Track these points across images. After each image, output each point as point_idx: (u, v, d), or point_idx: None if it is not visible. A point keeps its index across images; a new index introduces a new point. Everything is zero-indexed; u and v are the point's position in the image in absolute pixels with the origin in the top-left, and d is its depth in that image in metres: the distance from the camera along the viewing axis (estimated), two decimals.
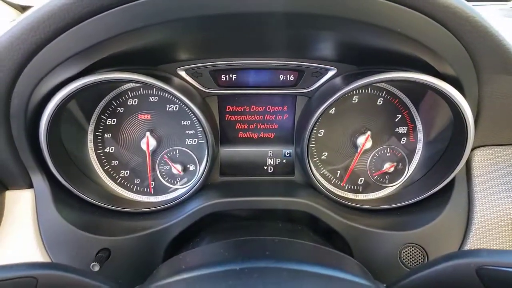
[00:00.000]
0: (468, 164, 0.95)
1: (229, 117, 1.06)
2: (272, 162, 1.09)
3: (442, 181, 0.94)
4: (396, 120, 1.05)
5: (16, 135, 0.81)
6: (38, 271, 0.56)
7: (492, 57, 0.78)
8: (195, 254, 0.69)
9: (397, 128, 1.06)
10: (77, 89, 0.81)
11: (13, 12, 1.48)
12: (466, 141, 0.87)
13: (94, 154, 1.03)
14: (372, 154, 1.07)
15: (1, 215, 0.84)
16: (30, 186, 0.88)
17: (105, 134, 1.03)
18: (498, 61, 0.78)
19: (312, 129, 0.94)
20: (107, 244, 0.88)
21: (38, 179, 0.88)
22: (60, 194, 0.90)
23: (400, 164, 1.07)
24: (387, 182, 1.08)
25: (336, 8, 0.70)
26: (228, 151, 1.08)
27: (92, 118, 1.01)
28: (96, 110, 1.01)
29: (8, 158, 0.83)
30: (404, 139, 1.06)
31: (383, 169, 1.06)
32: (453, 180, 0.94)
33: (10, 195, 0.87)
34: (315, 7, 0.69)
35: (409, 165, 1.06)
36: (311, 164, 1.01)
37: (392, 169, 1.06)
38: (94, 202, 0.94)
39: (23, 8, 1.50)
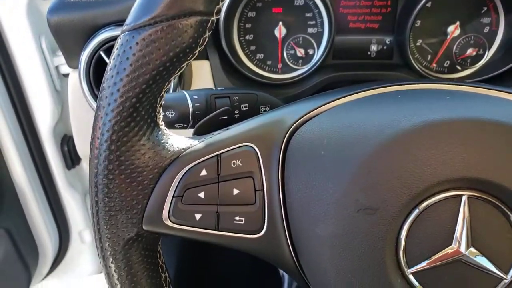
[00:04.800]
0: None
1: (343, 10, 1.32)
2: (375, 49, 1.37)
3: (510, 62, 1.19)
4: (482, 12, 1.27)
5: None
6: (258, 92, 0.91)
7: None
8: None
9: (482, 19, 1.28)
10: None
11: None
12: None
13: (237, 41, 1.35)
14: (458, 41, 1.31)
15: (192, 74, 1.23)
16: (207, 58, 1.25)
17: (246, 24, 1.34)
18: None
19: (414, 20, 1.20)
20: None
21: (212, 53, 1.24)
22: (225, 65, 1.26)
23: (481, 49, 1.31)
24: (468, 64, 1.34)
25: None
26: (340, 39, 1.36)
27: (237, 12, 1.32)
28: (240, 5, 1.31)
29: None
30: (487, 28, 1.29)
31: (466, 53, 1.32)
32: None
33: (194, 63, 1.24)
34: None
35: (488, 50, 1.31)
36: (409, 49, 1.28)
37: (474, 54, 1.32)
38: (244, 73, 1.29)
39: None
